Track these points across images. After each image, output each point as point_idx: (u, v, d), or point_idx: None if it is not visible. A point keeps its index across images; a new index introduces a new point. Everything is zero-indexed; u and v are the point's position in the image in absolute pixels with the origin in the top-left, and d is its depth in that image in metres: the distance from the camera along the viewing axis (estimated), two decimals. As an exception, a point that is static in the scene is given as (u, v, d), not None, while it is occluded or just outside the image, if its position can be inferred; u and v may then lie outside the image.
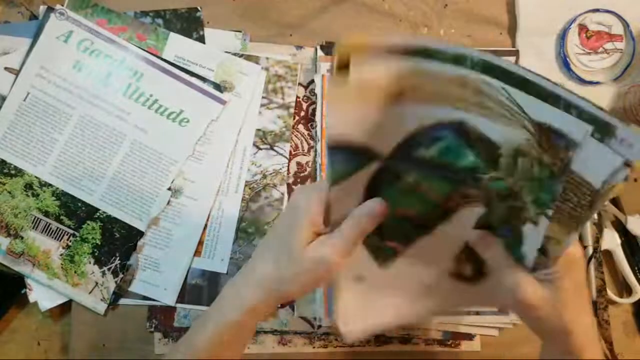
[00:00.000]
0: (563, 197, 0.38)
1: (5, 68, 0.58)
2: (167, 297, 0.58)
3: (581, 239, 0.60)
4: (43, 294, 0.58)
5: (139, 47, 0.59)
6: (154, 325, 0.59)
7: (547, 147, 0.37)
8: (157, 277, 0.58)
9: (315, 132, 0.60)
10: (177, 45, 0.60)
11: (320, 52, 0.61)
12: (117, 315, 0.58)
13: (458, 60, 0.36)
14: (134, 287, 0.58)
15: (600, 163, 0.35)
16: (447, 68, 0.36)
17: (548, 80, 0.34)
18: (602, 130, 0.34)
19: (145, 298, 0.58)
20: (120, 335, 0.59)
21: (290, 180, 0.61)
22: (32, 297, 0.58)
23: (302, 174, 0.61)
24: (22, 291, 0.59)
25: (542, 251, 0.41)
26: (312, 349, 0.60)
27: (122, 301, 0.58)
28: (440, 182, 0.43)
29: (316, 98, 0.60)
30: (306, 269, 0.39)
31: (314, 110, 0.61)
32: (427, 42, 0.36)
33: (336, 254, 0.38)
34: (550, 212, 0.39)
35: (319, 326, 0.59)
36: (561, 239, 0.40)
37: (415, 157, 0.42)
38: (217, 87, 0.59)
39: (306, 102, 0.61)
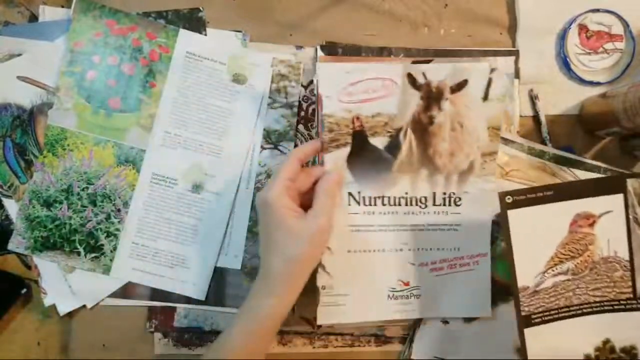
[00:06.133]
0: None
1: (18, 77, 0.58)
2: (197, 292, 0.58)
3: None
4: (60, 298, 0.58)
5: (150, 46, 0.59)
6: (154, 325, 0.59)
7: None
8: (185, 273, 0.58)
9: (316, 132, 0.60)
10: (188, 42, 0.60)
11: (320, 52, 0.61)
12: (117, 315, 0.58)
13: (539, 155, 0.59)
14: (161, 285, 0.58)
15: None
16: (535, 159, 0.59)
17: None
18: None
19: (172, 299, 0.59)
20: (120, 335, 0.59)
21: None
22: (47, 301, 0.58)
23: (302, 174, 0.61)
24: (22, 291, 0.59)
25: None
26: (312, 349, 0.60)
27: (123, 301, 0.58)
28: None
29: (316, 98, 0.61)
30: (310, 240, 0.48)
31: (314, 110, 0.61)
32: (529, 143, 0.59)
33: (327, 216, 0.49)
34: None
35: (319, 326, 0.59)
36: None
37: None
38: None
39: (306, 102, 0.61)
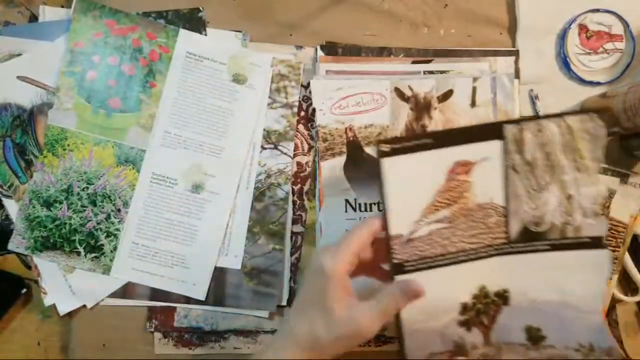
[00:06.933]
0: None
1: (18, 77, 0.58)
2: (197, 292, 0.59)
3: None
4: (60, 298, 0.58)
5: (150, 46, 0.59)
6: (154, 326, 0.59)
7: None
8: (185, 273, 0.59)
9: (316, 131, 0.60)
10: (188, 42, 0.60)
11: (320, 52, 0.61)
12: (117, 315, 0.58)
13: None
14: (161, 285, 0.58)
15: None
16: None
17: None
18: None
19: (172, 299, 0.59)
20: (120, 335, 0.59)
21: (291, 181, 0.61)
22: (47, 301, 0.58)
23: (302, 174, 0.61)
24: (22, 291, 0.59)
25: None
26: (312, 349, 0.59)
27: (123, 301, 0.58)
28: None
29: (316, 98, 0.61)
30: (341, 335, 0.42)
31: (314, 110, 0.61)
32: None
33: (370, 324, 0.42)
34: None
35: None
36: None
37: None
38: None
39: (306, 102, 0.61)
